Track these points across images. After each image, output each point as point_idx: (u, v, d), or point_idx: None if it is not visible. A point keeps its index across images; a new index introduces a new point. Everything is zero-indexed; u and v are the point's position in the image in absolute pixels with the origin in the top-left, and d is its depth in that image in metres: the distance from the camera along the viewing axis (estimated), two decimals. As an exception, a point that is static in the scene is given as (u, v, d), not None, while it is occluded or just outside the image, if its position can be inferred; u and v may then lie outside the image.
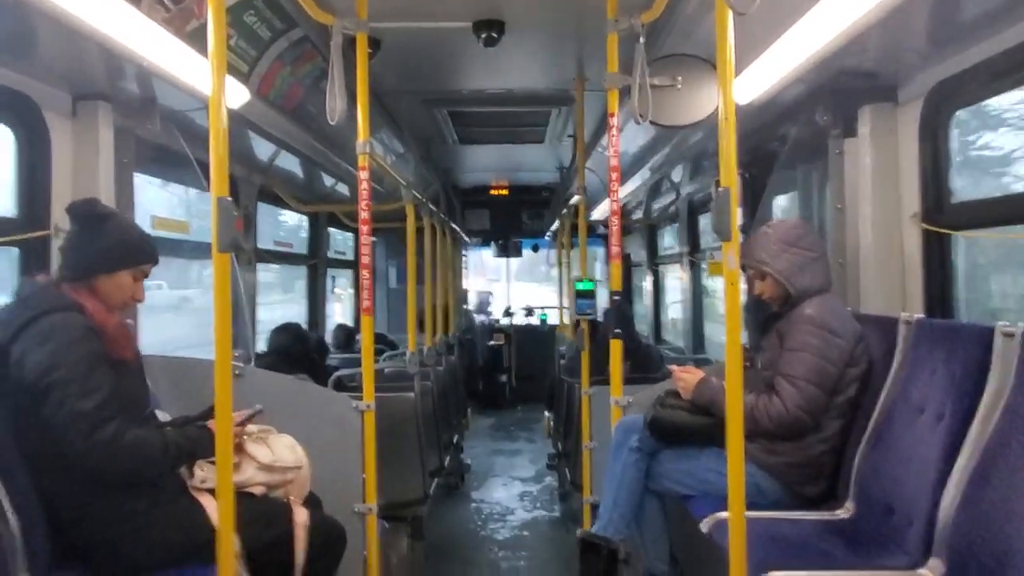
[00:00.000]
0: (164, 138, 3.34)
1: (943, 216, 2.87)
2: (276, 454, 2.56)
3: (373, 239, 9.26)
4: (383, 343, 6.86)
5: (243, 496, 2.39)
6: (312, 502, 2.68)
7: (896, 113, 3.07)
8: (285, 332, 4.68)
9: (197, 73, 2.79)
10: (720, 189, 2.09)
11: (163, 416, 2.70)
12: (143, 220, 3.45)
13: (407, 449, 4.53)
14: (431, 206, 5.85)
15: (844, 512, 2.62)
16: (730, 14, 2.03)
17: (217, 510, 2.19)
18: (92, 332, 2.26)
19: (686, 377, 2.89)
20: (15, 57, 2.64)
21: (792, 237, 2.86)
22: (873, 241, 3.10)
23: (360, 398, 3.28)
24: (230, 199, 2.08)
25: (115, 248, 2.41)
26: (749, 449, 2.45)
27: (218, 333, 2.12)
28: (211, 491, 2.37)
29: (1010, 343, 2.09)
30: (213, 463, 2.39)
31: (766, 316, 3.00)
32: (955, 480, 2.13)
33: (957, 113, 2.87)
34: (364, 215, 3.20)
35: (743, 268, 2.97)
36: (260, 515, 2.40)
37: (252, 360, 4.48)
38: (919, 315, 2.65)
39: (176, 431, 2.41)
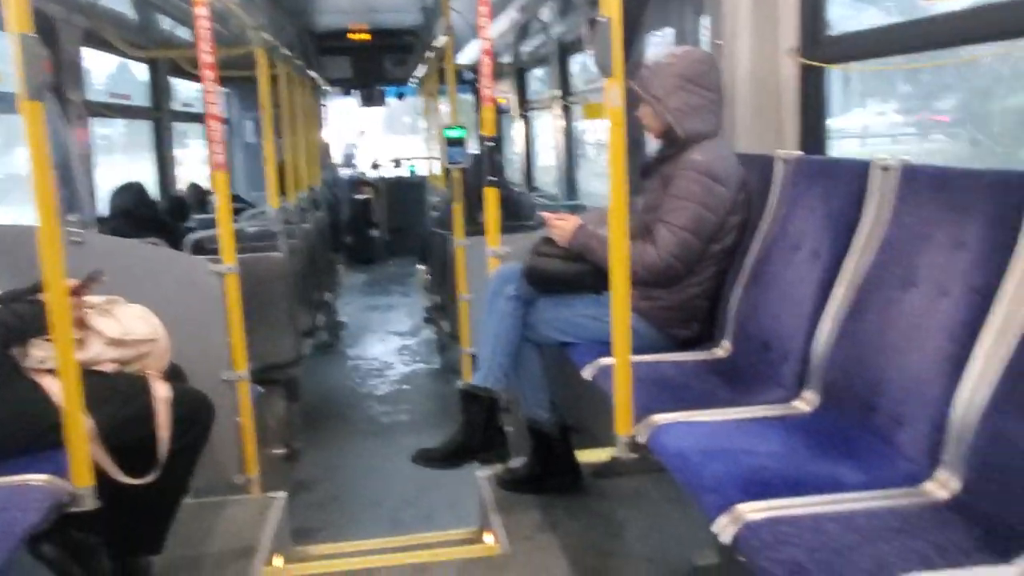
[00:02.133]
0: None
1: (819, 49, 2.81)
2: (125, 326, 2.32)
3: (224, 90, 8.56)
4: (241, 203, 6.47)
5: (93, 375, 2.17)
6: (174, 374, 2.49)
7: (776, -59, 2.92)
8: (127, 192, 4.29)
9: None
10: (600, 19, 1.91)
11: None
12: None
13: (276, 310, 4.35)
14: (285, 51, 5.37)
15: (722, 351, 2.66)
16: None
17: (62, 390, 1.98)
18: None
19: (562, 224, 2.79)
20: None
21: (693, 73, 2.69)
22: (750, 77, 3.01)
23: (220, 261, 3.04)
24: (35, 36, 1.75)
25: None
26: (626, 295, 2.42)
27: (39, 193, 1.83)
28: (53, 372, 2.13)
29: (887, 176, 2.08)
30: (51, 341, 2.15)
31: (649, 158, 2.89)
32: (830, 314, 2.16)
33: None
34: (207, 58, 2.85)
35: (633, 96, 2.82)
36: (113, 393, 2.20)
37: (96, 226, 4.09)
38: (797, 152, 2.62)
39: (2, 309, 2.14)
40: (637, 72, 2.81)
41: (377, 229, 10.84)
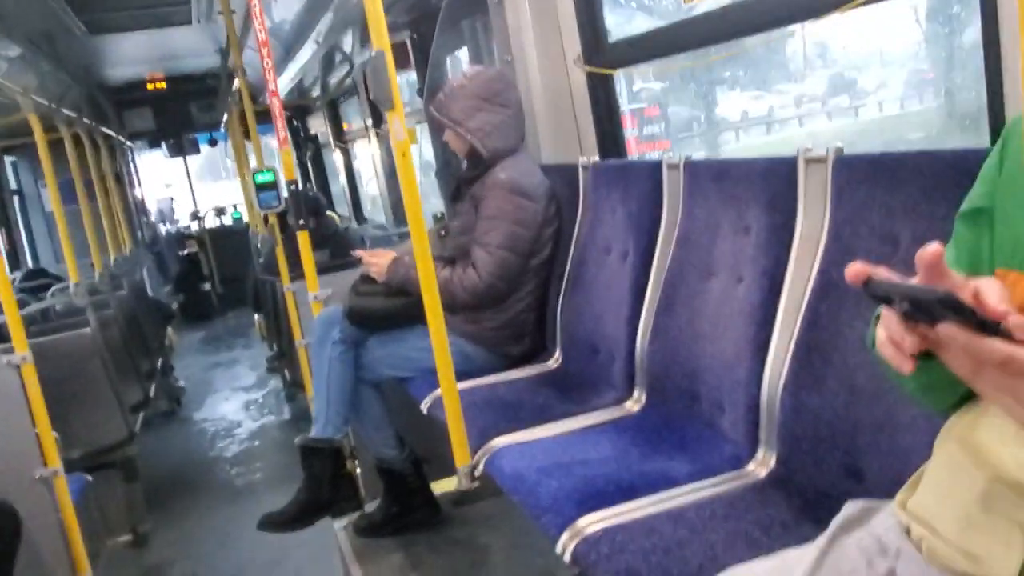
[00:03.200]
0: None
1: (602, 56, 2.89)
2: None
3: (11, 159, 7.96)
4: (48, 278, 6.00)
5: None
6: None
7: (547, -45, 3.00)
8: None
9: None
10: (373, 53, 1.88)
11: None
12: None
13: (97, 389, 4.05)
14: (68, 112, 5.03)
15: (553, 362, 2.68)
16: None
17: None
18: None
19: (375, 261, 2.74)
20: None
21: (489, 92, 2.69)
22: (543, 89, 3.07)
23: (11, 350, 2.78)
24: None
25: None
26: (451, 320, 2.40)
27: None
28: None
29: (675, 174, 2.16)
30: None
31: (457, 180, 2.88)
32: (645, 312, 2.22)
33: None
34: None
35: (433, 121, 2.80)
36: None
37: None
38: (595, 158, 2.68)
39: None
40: (434, 97, 2.81)
41: (208, 282, 10.37)
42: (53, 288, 5.38)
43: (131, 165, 10.13)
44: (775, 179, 1.80)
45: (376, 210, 7.99)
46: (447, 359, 2.02)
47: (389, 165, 6.72)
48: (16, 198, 8.00)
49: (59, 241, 8.27)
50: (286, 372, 5.66)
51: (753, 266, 1.83)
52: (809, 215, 1.69)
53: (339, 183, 8.88)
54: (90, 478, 3.41)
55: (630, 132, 4.14)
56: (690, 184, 2.10)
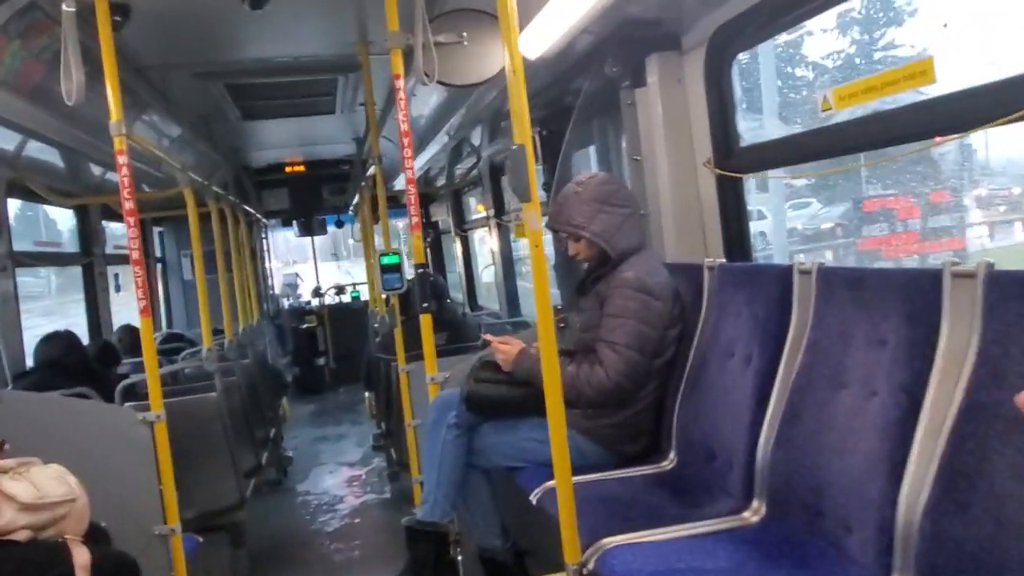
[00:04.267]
0: None
1: (733, 160, 2.91)
2: (40, 489, 2.19)
3: (159, 229, 8.52)
4: (182, 342, 6.33)
5: (4, 545, 2.03)
6: (96, 536, 2.34)
7: (682, 61, 3.07)
8: (53, 341, 4.15)
9: None
10: (515, 147, 1.95)
11: None
12: None
13: (216, 453, 4.18)
14: (217, 189, 5.39)
15: (668, 463, 2.62)
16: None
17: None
18: None
19: (505, 349, 2.77)
20: None
21: (604, 194, 2.76)
22: (671, 190, 3.10)
23: (146, 407, 2.93)
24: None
25: None
26: (568, 415, 2.38)
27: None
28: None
29: (807, 280, 2.12)
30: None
31: (583, 274, 2.91)
32: (769, 420, 2.15)
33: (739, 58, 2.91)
34: (129, 205, 2.83)
35: (554, 231, 2.88)
36: (27, 563, 2.06)
37: (8, 382, 3.94)
38: (721, 260, 2.67)
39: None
40: (567, 189, 2.87)
41: (323, 358, 10.70)
42: (184, 352, 5.67)
43: (263, 241, 10.69)
44: (917, 292, 1.75)
45: (489, 298, 8.12)
46: (564, 453, 2.00)
47: (505, 255, 6.86)
48: (159, 265, 8.55)
49: (193, 307, 8.80)
50: (392, 451, 5.72)
51: (889, 380, 1.75)
52: (954, 331, 1.62)
53: (455, 269, 9.10)
54: (200, 539, 3.49)
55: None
56: (823, 291, 2.06)
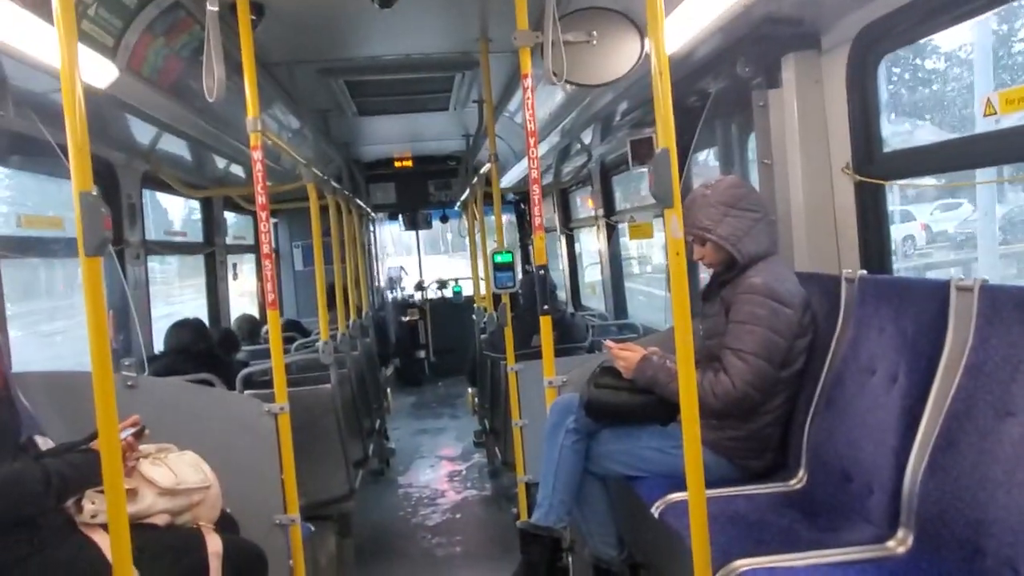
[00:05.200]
0: (20, 124, 2.94)
1: (875, 166, 2.76)
2: (178, 476, 2.27)
3: (274, 220, 8.77)
4: (294, 330, 6.51)
5: (145, 528, 2.11)
6: (226, 523, 2.41)
7: (820, 61, 2.93)
8: (183, 328, 4.31)
9: (51, 48, 2.42)
10: (658, 151, 1.89)
11: (45, 442, 2.37)
12: (7, 219, 3.06)
13: (328, 443, 4.26)
14: (334, 183, 5.51)
15: (797, 482, 2.51)
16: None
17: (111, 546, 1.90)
18: None
19: (626, 355, 2.71)
20: None
21: (733, 198, 2.67)
22: (804, 196, 2.98)
23: (271, 398, 2.99)
24: (95, 194, 1.77)
25: None
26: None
27: (94, 345, 1.81)
28: (105, 526, 2.07)
29: (967, 298, 1.98)
30: (103, 492, 2.10)
31: (709, 281, 2.83)
32: (919, 445, 2.02)
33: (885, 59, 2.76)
34: (262, 199, 2.90)
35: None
36: (166, 548, 2.13)
37: (146, 367, 4.11)
38: (861, 272, 2.53)
39: (58, 460, 2.11)
40: (695, 192, 2.79)
41: (423, 350, 10.84)
42: (297, 343, 5.83)
43: (372, 235, 10.91)
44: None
45: (594, 297, 8.05)
46: (699, 467, 1.93)
47: (614, 255, 6.77)
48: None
49: (303, 296, 9.05)
50: (496, 449, 5.72)
51: (1067, 411, 1.62)
52: None
53: (558, 268, 9.06)
54: (312, 528, 3.56)
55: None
56: (986, 310, 1.92)
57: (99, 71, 2.84)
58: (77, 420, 2.66)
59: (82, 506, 2.14)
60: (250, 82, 2.81)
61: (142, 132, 4.19)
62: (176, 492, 2.26)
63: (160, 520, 2.21)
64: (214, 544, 2.20)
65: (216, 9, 2.69)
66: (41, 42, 2.38)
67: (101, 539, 2.07)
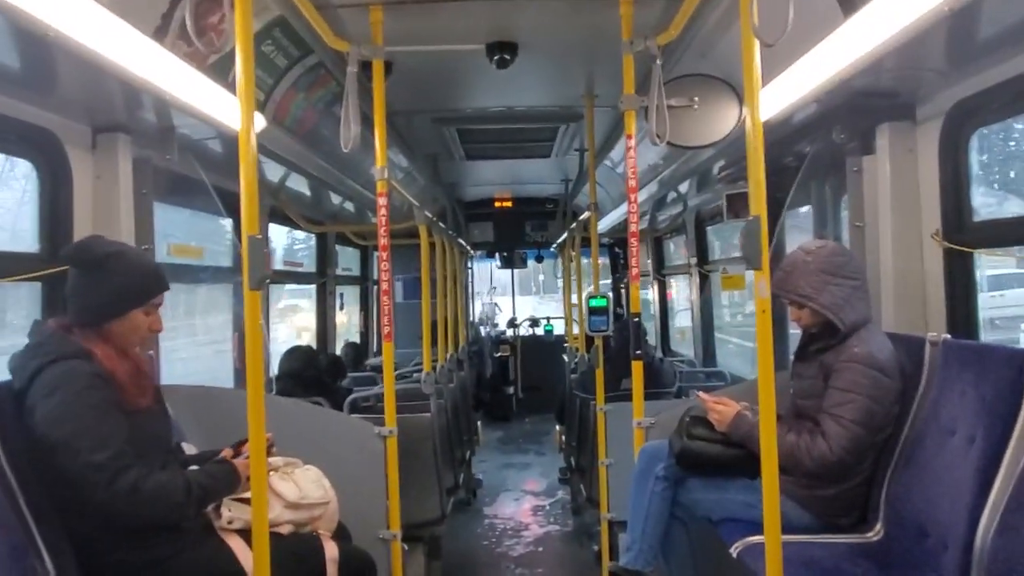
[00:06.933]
0: (182, 167, 3.33)
1: (964, 234, 2.86)
2: (303, 490, 2.53)
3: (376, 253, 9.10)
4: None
5: (272, 536, 2.36)
6: (341, 534, 2.67)
7: (915, 132, 3.06)
8: (296, 355, 4.67)
9: (218, 103, 2.79)
10: (750, 218, 2.08)
11: (189, 448, 2.68)
12: (161, 248, 3.44)
13: (424, 469, 4.51)
14: (440, 223, 5.85)
15: (874, 535, 2.61)
16: (756, 41, 2.03)
17: (252, 554, 2.14)
18: (99, 379, 2.18)
19: (721, 410, 2.83)
20: (37, 92, 2.63)
21: (834, 266, 2.75)
22: (893, 259, 3.09)
23: (379, 422, 3.27)
24: (261, 237, 2.07)
25: (121, 290, 2.30)
26: (782, 480, 2.43)
27: (251, 365, 2.10)
28: (239, 531, 2.34)
29: (1044, 366, 2.09)
30: (238, 500, 2.37)
31: (805, 341, 2.91)
32: (991, 504, 2.12)
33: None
34: (384, 241, 3.20)
35: (778, 298, 2.91)
36: (290, 554, 2.37)
37: (273, 387, 4.47)
38: (945, 335, 2.64)
39: (199, 471, 2.36)
40: (795, 257, 2.88)
41: (512, 386, 11.06)
42: (398, 372, 6.13)
43: (469, 271, 11.26)
44: None
45: (684, 343, 8.13)
46: (775, 510, 2.08)
47: (705, 303, 6.88)
48: (375, 287, 9.27)
49: (403, 327, 9.38)
50: (580, 486, 5.87)
51: None
52: None
53: (649, 312, 9.17)
54: (407, 547, 3.79)
55: None
56: (1062, 381, 2.02)
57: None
58: (212, 429, 2.99)
59: (220, 512, 2.38)
60: (380, 135, 3.13)
61: (272, 171, 4.61)
62: (300, 506, 2.50)
63: (284, 530, 2.45)
64: (331, 551, 2.45)
65: (355, 70, 3.03)
66: (213, 99, 2.76)
67: (235, 543, 2.32)
